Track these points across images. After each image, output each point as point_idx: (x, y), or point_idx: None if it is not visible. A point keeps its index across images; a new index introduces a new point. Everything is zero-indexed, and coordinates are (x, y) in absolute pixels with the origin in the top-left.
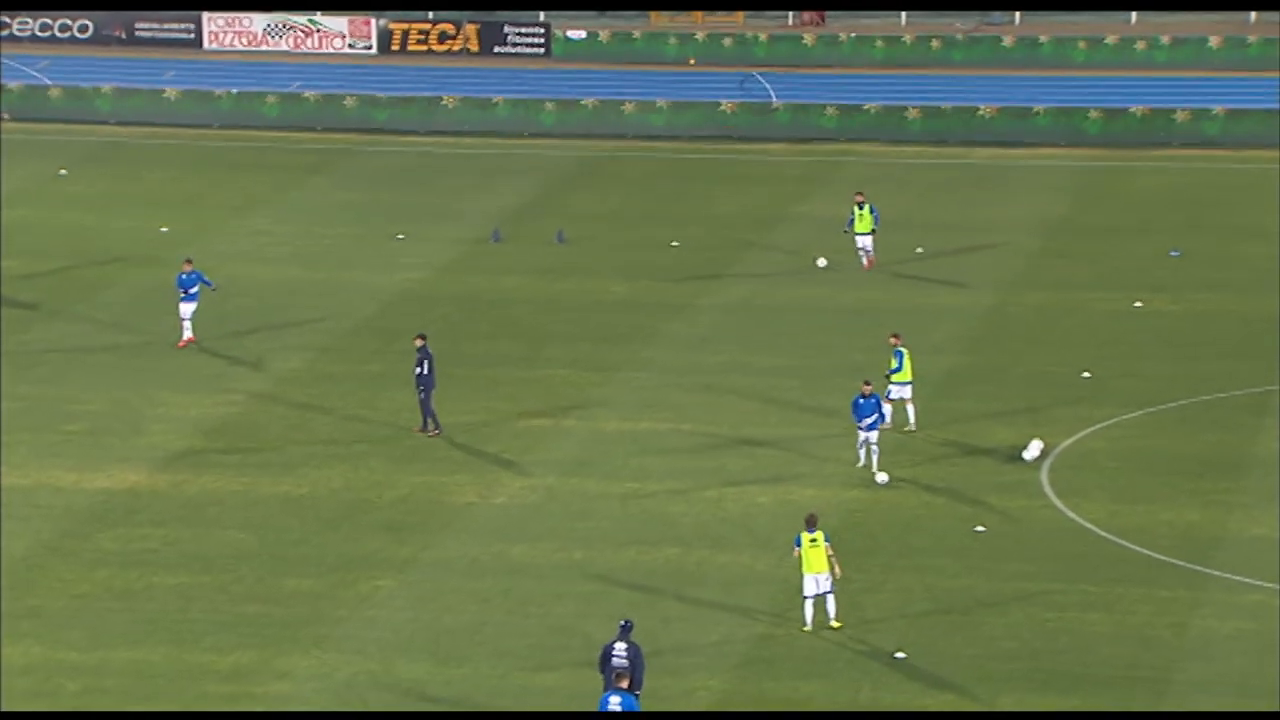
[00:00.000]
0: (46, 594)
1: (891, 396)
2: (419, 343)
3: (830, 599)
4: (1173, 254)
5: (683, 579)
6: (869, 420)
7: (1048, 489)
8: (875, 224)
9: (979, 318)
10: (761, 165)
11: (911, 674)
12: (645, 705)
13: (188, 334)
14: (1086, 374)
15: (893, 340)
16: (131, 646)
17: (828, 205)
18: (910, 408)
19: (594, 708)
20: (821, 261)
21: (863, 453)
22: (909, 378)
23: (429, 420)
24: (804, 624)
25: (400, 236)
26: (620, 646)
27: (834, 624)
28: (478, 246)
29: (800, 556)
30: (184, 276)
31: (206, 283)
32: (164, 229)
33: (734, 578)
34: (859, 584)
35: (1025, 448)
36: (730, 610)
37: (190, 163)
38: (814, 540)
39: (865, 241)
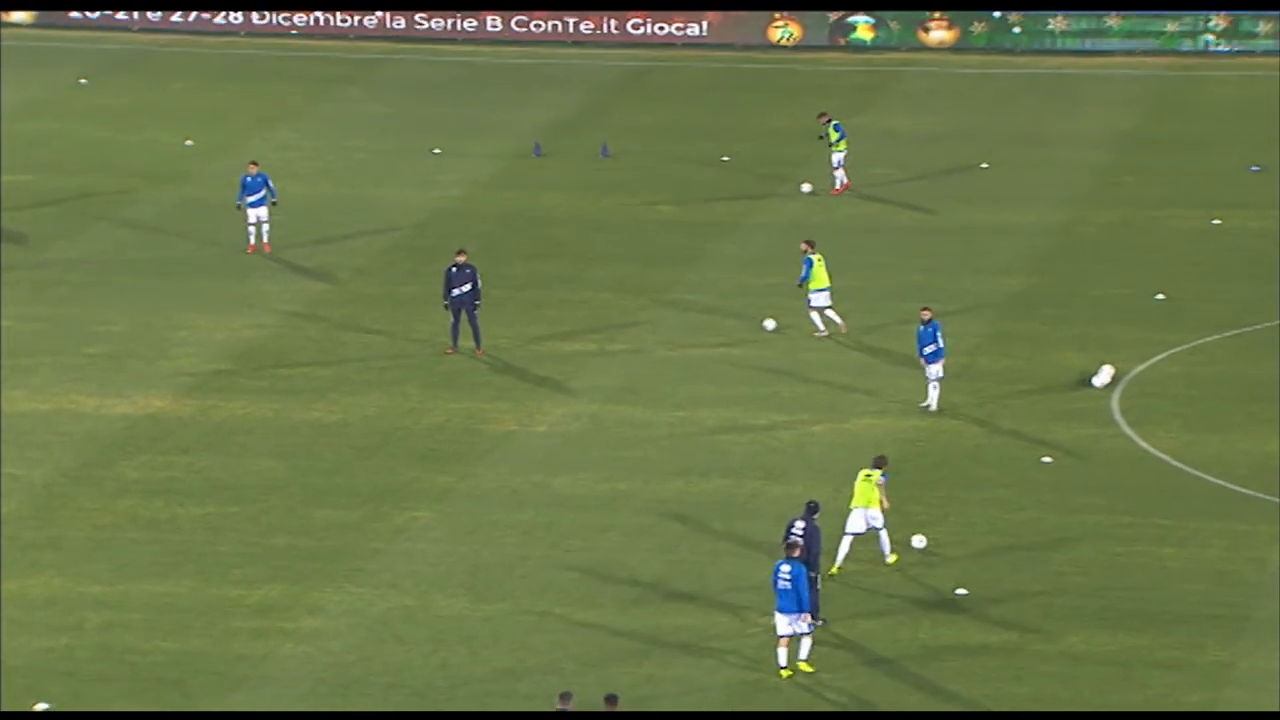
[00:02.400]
0: (68, 524)
1: (812, 305)
2: (461, 258)
3: (884, 534)
4: (1253, 169)
5: (733, 511)
6: (929, 350)
7: (1119, 417)
8: (839, 140)
9: (1047, 237)
10: (817, 76)
11: (973, 611)
12: (703, 640)
13: (255, 240)
14: (1160, 296)
15: (804, 247)
16: (157, 579)
17: (887, 118)
18: (831, 314)
19: (639, 644)
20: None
21: (932, 391)
22: (825, 284)
23: (476, 339)
24: (833, 564)
25: (436, 151)
26: (799, 525)
27: (889, 560)
28: (518, 161)
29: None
30: (249, 179)
31: (270, 189)
32: (189, 142)
33: (787, 510)
34: (920, 517)
35: (1095, 374)
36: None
37: (216, 73)
38: (869, 475)
39: (837, 159)
